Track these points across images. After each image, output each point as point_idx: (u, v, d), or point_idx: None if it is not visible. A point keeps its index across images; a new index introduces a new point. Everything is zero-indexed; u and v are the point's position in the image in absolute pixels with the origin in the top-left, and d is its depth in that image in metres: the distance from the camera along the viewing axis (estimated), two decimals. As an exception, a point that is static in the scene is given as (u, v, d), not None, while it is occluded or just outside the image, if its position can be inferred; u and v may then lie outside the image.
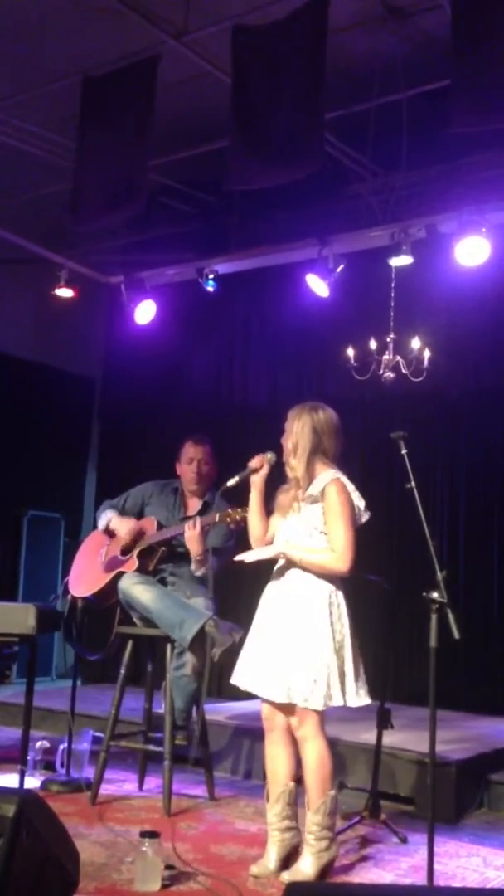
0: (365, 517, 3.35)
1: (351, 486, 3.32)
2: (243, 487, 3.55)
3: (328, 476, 3.30)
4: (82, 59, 5.01)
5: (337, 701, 3.20)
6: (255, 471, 3.49)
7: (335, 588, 3.29)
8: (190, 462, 4.41)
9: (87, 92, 4.95)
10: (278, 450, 3.46)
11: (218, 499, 4.10)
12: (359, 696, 3.26)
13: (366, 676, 3.33)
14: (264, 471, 3.48)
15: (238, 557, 3.40)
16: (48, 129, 5.73)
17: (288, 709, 3.28)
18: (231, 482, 3.56)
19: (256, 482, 3.49)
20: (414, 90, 5.10)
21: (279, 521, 3.42)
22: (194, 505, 4.43)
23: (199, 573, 4.24)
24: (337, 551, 3.24)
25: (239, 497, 3.68)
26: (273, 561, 3.40)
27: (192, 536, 4.13)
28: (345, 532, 3.24)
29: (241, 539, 3.85)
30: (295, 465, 3.34)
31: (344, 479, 3.32)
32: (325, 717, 3.26)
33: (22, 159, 6.00)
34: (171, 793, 3.99)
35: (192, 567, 4.24)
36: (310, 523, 3.30)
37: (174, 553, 4.34)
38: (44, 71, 5.21)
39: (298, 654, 3.20)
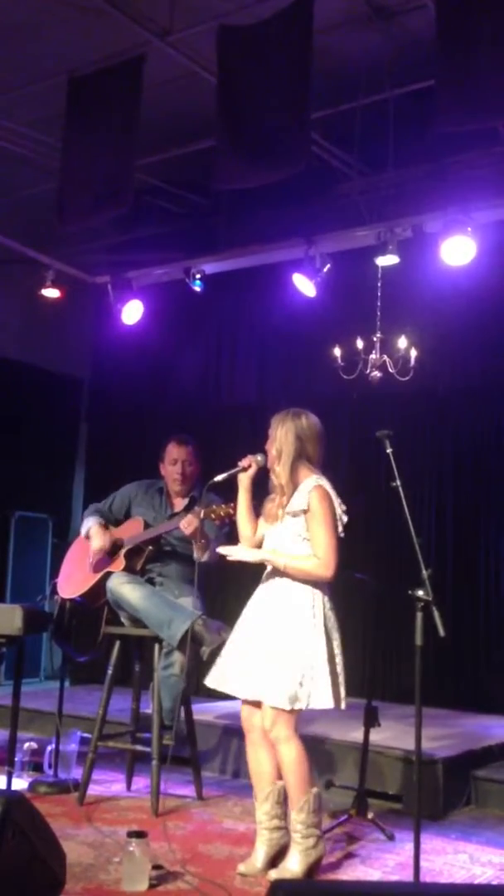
0: (340, 527, 3.34)
1: (333, 492, 3.34)
2: (230, 485, 3.57)
3: (311, 483, 3.31)
4: (68, 59, 5.00)
5: (305, 703, 3.19)
6: (244, 470, 3.51)
7: (321, 593, 3.30)
8: (174, 463, 4.41)
9: (73, 91, 4.94)
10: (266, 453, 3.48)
11: (205, 493, 4.09)
12: (326, 700, 3.22)
13: (344, 680, 3.32)
14: (252, 471, 3.51)
15: (223, 550, 3.41)
16: (33, 129, 5.72)
17: (262, 710, 3.28)
18: (219, 478, 3.60)
19: (244, 481, 3.52)
20: (400, 90, 5.11)
21: (266, 528, 3.43)
22: (180, 504, 4.43)
23: (204, 558, 4.12)
24: (321, 558, 3.26)
25: (226, 493, 3.70)
26: (262, 566, 3.41)
27: (190, 530, 4.03)
28: (327, 538, 3.26)
29: (231, 537, 3.85)
30: (279, 472, 3.36)
31: (326, 485, 3.33)
32: (314, 715, 3.26)
33: (7, 158, 5.98)
34: (159, 793, 3.99)
35: (196, 555, 4.15)
36: (293, 531, 3.32)
37: (162, 552, 4.35)
38: (29, 70, 5.19)
39: (270, 655, 3.21)
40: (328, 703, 3.22)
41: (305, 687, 3.19)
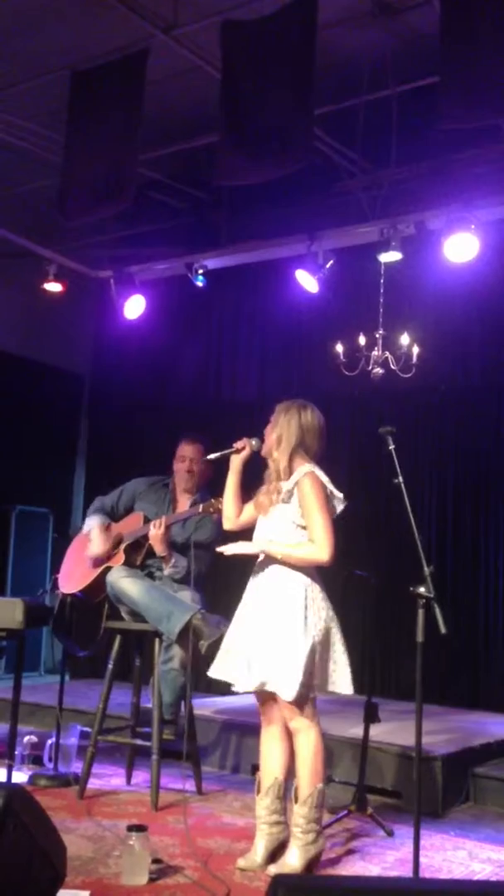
0: (340, 507, 3.38)
1: (325, 478, 3.35)
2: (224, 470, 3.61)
3: (303, 470, 3.33)
4: (71, 53, 4.99)
5: (317, 691, 3.22)
6: (238, 451, 3.56)
7: (311, 581, 3.31)
8: (182, 460, 4.43)
9: (76, 86, 4.93)
10: (262, 438, 3.52)
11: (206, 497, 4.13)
12: (338, 686, 3.29)
13: (350, 668, 3.36)
14: (246, 453, 3.55)
15: (220, 549, 3.43)
16: (37, 123, 5.71)
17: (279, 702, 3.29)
18: (212, 456, 3.70)
19: (236, 463, 3.57)
20: (403, 86, 5.10)
21: (260, 520, 3.45)
22: (184, 503, 4.44)
23: (167, 572, 4.26)
24: (317, 542, 3.26)
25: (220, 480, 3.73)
26: (255, 556, 3.42)
27: (155, 536, 4.18)
28: (322, 522, 3.27)
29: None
30: (277, 458, 3.38)
31: (318, 471, 3.35)
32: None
33: (10, 153, 5.97)
34: (158, 787, 4.00)
35: (163, 566, 4.27)
36: (289, 519, 3.33)
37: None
38: (32, 64, 5.18)
39: (278, 648, 3.22)
40: (344, 691, 3.27)
41: (294, 676, 3.19)
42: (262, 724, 3.43)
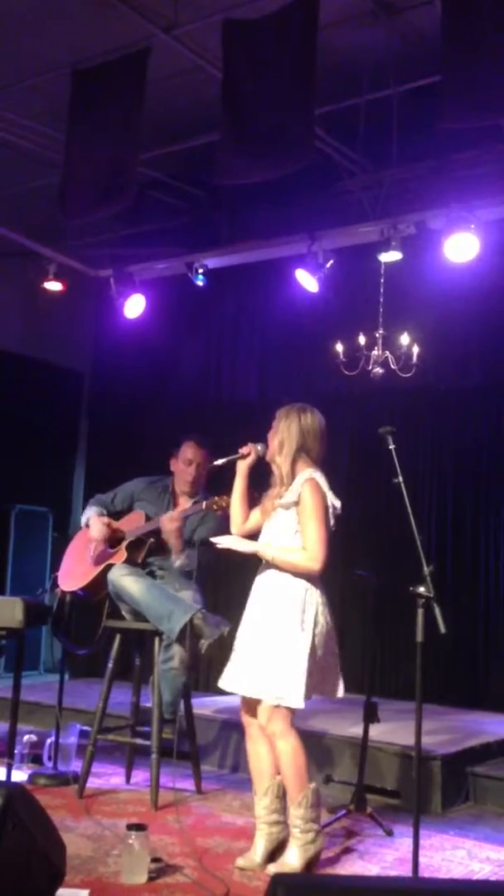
0: (337, 509, 3.38)
1: (326, 486, 3.35)
2: (229, 475, 3.61)
3: (304, 476, 3.33)
4: (72, 52, 4.99)
5: (294, 700, 3.21)
6: (244, 457, 3.56)
7: (312, 587, 3.31)
8: (189, 464, 4.41)
9: (77, 85, 4.93)
10: (267, 444, 3.51)
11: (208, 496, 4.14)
12: (341, 691, 3.33)
13: (342, 673, 3.38)
14: (251, 459, 3.56)
15: (215, 539, 3.46)
16: (37, 122, 5.71)
17: (259, 705, 3.30)
18: (218, 462, 3.70)
19: (242, 469, 3.57)
20: (404, 86, 5.10)
21: (265, 525, 3.45)
22: (184, 504, 4.43)
23: (177, 564, 4.25)
24: (309, 550, 3.27)
25: (226, 485, 3.73)
26: (261, 560, 3.43)
27: (169, 530, 4.16)
28: (317, 531, 3.27)
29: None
30: (280, 463, 3.38)
31: (320, 478, 3.35)
32: (313, 710, 3.28)
33: (10, 152, 5.97)
34: (158, 786, 4.00)
35: (173, 558, 4.26)
36: (289, 526, 3.34)
37: (163, 546, 4.35)
38: (33, 63, 5.18)
39: (268, 652, 3.23)
40: (338, 694, 3.30)
41: (294, 683, 3.20)
42: (245, 727, 3.44)
